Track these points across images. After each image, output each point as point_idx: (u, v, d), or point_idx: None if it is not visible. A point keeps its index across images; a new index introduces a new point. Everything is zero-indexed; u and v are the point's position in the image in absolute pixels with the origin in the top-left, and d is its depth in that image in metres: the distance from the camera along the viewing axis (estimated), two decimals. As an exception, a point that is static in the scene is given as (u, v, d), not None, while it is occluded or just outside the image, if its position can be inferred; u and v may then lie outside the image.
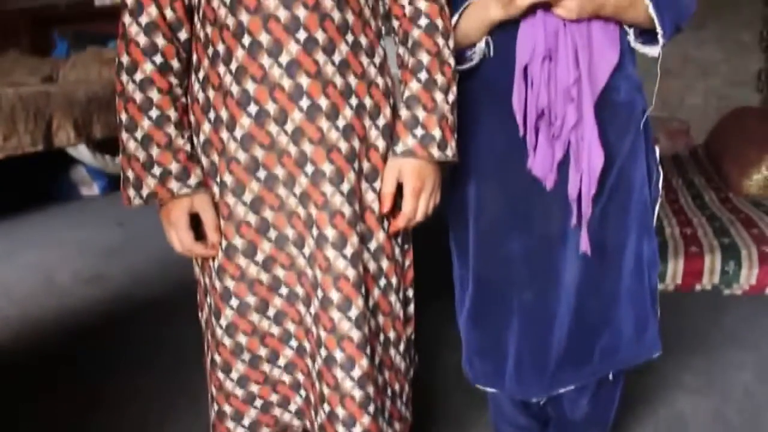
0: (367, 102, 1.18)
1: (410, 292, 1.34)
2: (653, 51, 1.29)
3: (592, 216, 1.30)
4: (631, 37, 1.29)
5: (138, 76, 1.14)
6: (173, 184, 1.15)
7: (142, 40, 1.13)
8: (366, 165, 1.19)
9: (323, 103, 1.12)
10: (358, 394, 1.18)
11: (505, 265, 1.40)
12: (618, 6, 1.22)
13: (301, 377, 1.27)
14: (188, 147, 1.18)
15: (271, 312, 1.22)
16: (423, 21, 1.19)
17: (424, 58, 1.18)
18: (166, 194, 1.15)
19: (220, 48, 1.13)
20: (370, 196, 1.20)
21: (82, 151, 4.91)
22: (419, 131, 1.17)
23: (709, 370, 2.21)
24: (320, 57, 1.11)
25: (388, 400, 1.30)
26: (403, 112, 1.19)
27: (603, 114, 1.27)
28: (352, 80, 1.15)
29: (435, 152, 1.17)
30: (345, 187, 1.15)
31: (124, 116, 1.15)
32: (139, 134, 1.14)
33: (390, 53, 1.24)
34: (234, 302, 1.20)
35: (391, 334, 1.28)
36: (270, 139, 1.14)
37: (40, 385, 2.27)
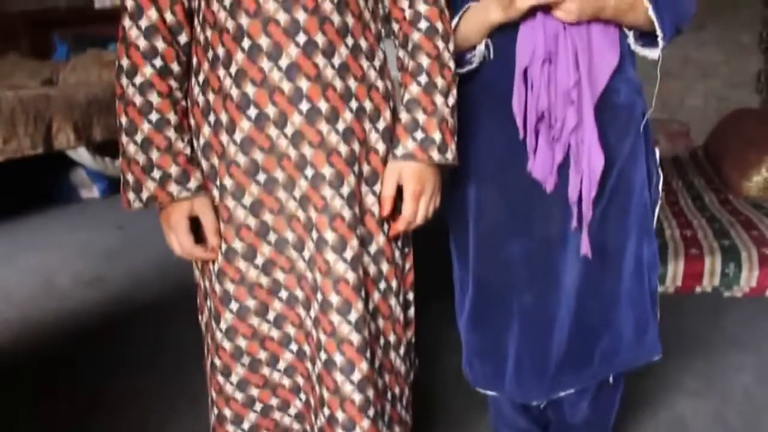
0: (367, 105, 1.18)
1: (410, 295, 1.34)
2: (653, 53, 1.30)
3: (592, 218, 1.30)
4: (630, 40, 1.30)
5: (138, 80, 1.14)
6: (173, 188, 1.15)
7: (142, 43, 1.13)
8: (366, 168, 1.19)
9: (323, 106, 1.12)
10: (357, 397, 1.18)
11: (505, 267, 1.40)
12: (618, 8, 1.22)
13: (301, 380, 1.27)
14: (188, 150, 1.18)
15: (270, 315, 1.22)
16: (423, 24, 1.19)
17: (424, 61, 1.18)
18: (165, 197, 1.15)
19: (220, 51, 1.13)
20: (370, 200, 1.20)
21: (82, 154, 4.90)
22: (419, 134, 1.17)
23: (710, 372, 2.21)
24: (320, 60, 1.11)
25: (388, 404, 1.30)
26: (403, 115, 1.19)
27: (603, 116, 1.27)
28: (352, 83, 1.15)
29: (435, 155, 1.17)
30: (345, 190, 1.15)
31: (123, 119, 1.15)
32: (138, 137, 1.14)
33: (390, 56, 1.23)
34: (234, 305, 1.20)
35: (391, 338, 1.28)
36: (270, 143, 1.13)
37: (40, 388, 2.27)
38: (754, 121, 4.32)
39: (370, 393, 1.20)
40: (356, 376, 1.18)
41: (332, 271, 1.15)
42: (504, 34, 1.27)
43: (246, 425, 1.28)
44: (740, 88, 5.13)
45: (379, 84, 1.20)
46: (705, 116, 5.12)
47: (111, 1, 5.47)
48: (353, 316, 1.16)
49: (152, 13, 1.14)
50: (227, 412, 1.27)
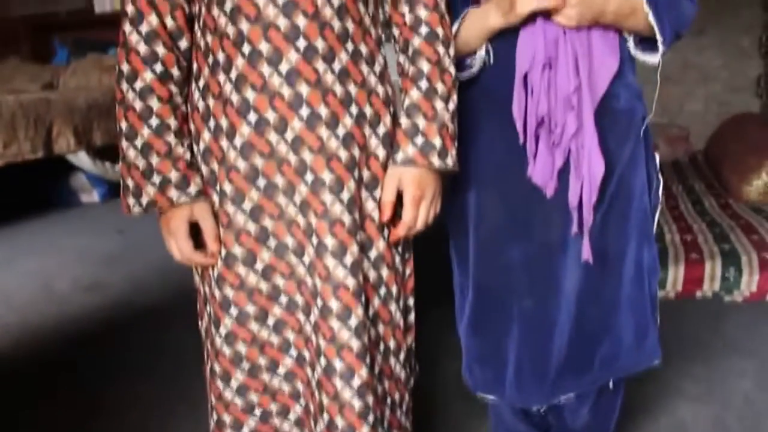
0: (368, 111, 1.17)
1: (410, 301, 1.33)
2: (653, 59, 1.30)
3: (592, 224, 1.30)
4: (630, 45, 1.29)
5: (138, 85, 1.14)
6: (173, 193, 1.15)
7: (143, 48, 1.13)
8: (366, 174, 1.19)
9: (323, 111, 1.12)
10: (357, 403, 1.18)
11: (505, 272, 1.39)
12: (618, 14, 1.22)
13: (300, 386, 1.26)
14: (188, 155, 1.18)
15: (270, 321, 1.22)
16: (423, 29, 1.19)
17: (425, 66, 1.18)
18: (165, 203, 1.15)
19: (220, 57, 1.13)
20: (370, 205, 1.20)
21: (82, 158, 4.91)
22: (419, 140, 1.17)
23: (710, 377, 2.20)
24: (320, 65, 1.11)
25: (388, 410, 1.29)
26: (404, 121, 1.19)
27: (603, 121, 1.27)
28: (352, 89, 1.15)
29: (435, 161, 1.17)
30: (345, 195, 1.15)
31: (124, 125, 1.15)
32: (138, 143, 1.14)
33: (390, 60, 1.23)
34: (233, 311, 1.20)
35: (391, 344, 1.28)
36: (270, 148, 1.13)
37: (40, 392, 2.27)
38: (754, 125, 4.33)
39: (370, 399, 1.20)
40: (356, 382, 1.18)
41: (332, 277, 1.15)
42: (504, 39, 1.27)
43: (245, 431, 1.28)
44: (740, 93, 5.14)
45: (380, 89, 1.20)
46: (705, 121, 5.13)
47: (111, 6, 5.49)
48: (353, 322, 1.16)
49: (153, 19, 1.14)
50: (226, 418, 1.27)
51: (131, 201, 1.16)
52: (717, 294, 2.84)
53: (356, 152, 1.16)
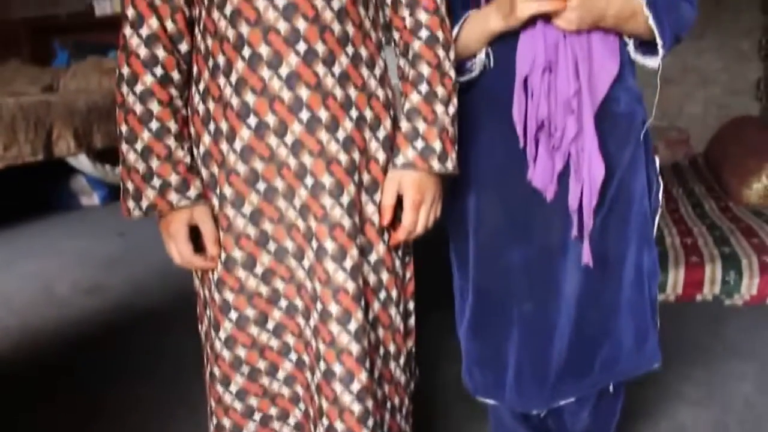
0: (368, 114, 1.17)
1: (411, 305, 1.33)
2: (653, 62, 1.29)
3: (592, 227, 1.30)
4: (630, 48, 1.29)
5: (138, 88, 1.14)
6: (173, 196, 1.15)
7: (143, 52, 1.13)
8: (366, 177, 1.18)
9: (323, 115, 1.12)
10: (357, 408, 1.18)
11: (505, 276, 1.39)
12: (618, 17, 1.22)
13: (300, 390, 1.26)
14: (188, 159, 1.18)
15: (270, 325, 1.22)
16: (424, 33, 1.19)
17: (425, 70, 1.18)
18: (165, 206, 1.15)
19: (221, 60, 1.13)
20: (370, 209, 1.19)
21: (82, 161, 4.91)
22: (419, 143, 1.17)
23: (710, 381, 2.20)
24: (320, 69, 1.11)
25: (388, 414, 1.29)
26: (404, 124, 1.19)
27: (603, 125, 1.27)
28: (353, 92, 1.15)
29: (435, 164, 1.17)
30: (345, 199, 1.15)
31: (124, 128, 1.15)
32: (139, 146, 1.14)
33: (390, 64, 1.23)
34: (233, 315, 1.20)
35: (391, 348, 1.27)
36: (270, 152, 1.13)
37: (40, 395, 2.27)
38: (754, 128, 4.33)
39: (369, 403, 1.19)
40: (355, 387, 1.17)
41: (332, 281, 1.15)
42: (504, 42, 1.27)
43: (245, 435, 1.28)
44: (740, 96, 5.14)
45: (380, 93, 1.20)
46: (705, 123, 5.13)
47: (112, 9, 5.51)
48: (353, 326, 1.16)
49: (153, 22, 1.14)
50: (226, 422, 1.27)
51: (131, 204, 1.16)
52: (717, 297, 2.84)
53: (356, 156, 1.16)
